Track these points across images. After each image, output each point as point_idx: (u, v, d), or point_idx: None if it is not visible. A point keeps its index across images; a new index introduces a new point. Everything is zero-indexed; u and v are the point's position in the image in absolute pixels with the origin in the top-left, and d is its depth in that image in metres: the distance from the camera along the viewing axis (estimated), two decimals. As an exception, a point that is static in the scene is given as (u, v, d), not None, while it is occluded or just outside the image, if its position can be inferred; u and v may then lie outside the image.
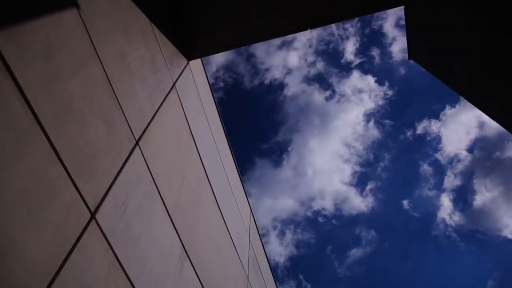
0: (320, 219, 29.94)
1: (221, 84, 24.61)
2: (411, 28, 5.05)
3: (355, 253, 28.74)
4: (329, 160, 32.37)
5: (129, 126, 2.88)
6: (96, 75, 2.52)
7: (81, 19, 2.51)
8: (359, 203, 30.05)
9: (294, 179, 31.45)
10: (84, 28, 2.52)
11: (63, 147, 2.02)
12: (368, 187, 30.02)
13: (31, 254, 1.69)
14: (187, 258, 3.48)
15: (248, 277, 5.91)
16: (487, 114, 3.83)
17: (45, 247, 1.79)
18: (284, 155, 30.46)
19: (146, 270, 2.70)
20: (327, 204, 30.13)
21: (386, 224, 30.56)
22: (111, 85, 2.71)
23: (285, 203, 30.96)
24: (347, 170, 31.31)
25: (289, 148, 30.81)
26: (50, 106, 1.99)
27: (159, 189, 3.18)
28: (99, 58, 2.62)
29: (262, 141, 29.96)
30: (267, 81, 27.53)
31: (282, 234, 29.46)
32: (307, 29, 5.10)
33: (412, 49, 5.18)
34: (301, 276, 27.69)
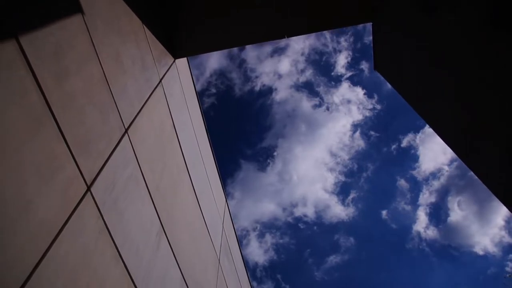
0: (301, 225, 30.63)
1: (212, 88, 24.86)
2: (377, 42, 5.68)
3: (333, 259, 29.64)
4: (313, 168, 32.85)
5: (120, 117, 3.34)
6: (95, 73, 2.98)
7: (85, 24, 2.96)
8: (340, 211, 30.83)
9: (277, 184, 31.84)
10: (87, 32, 2.98)
11: (68, 131, 2.49)
12: (350, 196, 30.83)
13: (40, 215, 2.17)
14: (164, 234, 3.97)
15: (219, 260, 6.44)
16: (435, 130, 4.30)
17: (50, 211, 2.26)
18: (269, 160, 30.86)
19: (129, 239, 3.19)
20: (308, 211, 30.76)
21: (365, 233, 31.52)
22: (107, 81, 3.17)
23: (268, 207, 31.38)
24: (330, 179, 31.90)
25: (275, 153, 31.21)
26: (59, 98, 2.45)
27: (143, 172, 3.66)
28: (98, 58, 3.08)
29: (248, 144, 30.30)
30: (257, 86, 27.91)
31: (262, 236, 30.01)
32: (284, 37, 5.65)
33: (377, 62, 5.80)
34: (279, 276, 28.42)
